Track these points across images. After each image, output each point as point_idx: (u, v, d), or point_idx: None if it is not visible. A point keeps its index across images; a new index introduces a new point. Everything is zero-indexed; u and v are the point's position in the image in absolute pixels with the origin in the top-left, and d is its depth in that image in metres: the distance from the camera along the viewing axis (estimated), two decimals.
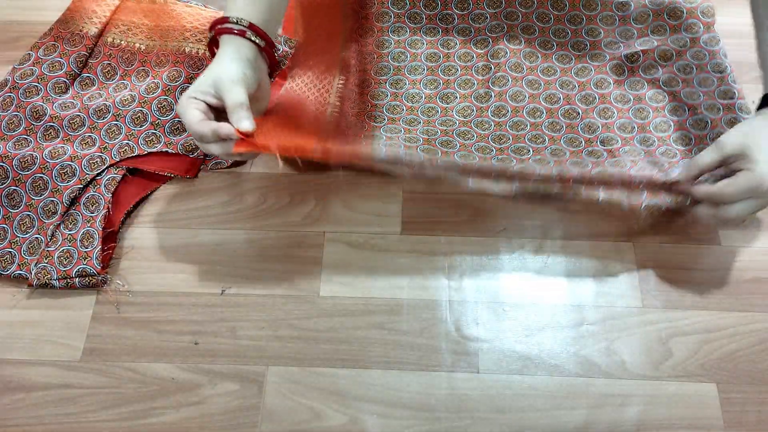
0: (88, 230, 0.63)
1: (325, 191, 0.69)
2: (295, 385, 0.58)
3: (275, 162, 0.71)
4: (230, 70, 0.55)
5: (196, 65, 0.73)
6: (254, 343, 0.60)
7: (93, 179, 0.67)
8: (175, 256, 0.65)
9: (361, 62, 0.73)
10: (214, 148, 0.55)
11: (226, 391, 0.58)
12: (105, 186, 0.66)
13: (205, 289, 0.63)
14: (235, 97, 0.54)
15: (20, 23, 0.82)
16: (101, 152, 0.68)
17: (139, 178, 0.69)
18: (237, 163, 0.71)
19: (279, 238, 0.66)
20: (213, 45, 0.59)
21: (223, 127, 0.53)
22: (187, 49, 0.74)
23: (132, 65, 0.75)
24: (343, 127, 0.67)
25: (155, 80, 0.72)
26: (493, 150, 0.67)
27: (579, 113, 0.70)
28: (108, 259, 0.64)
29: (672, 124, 0.70)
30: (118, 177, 0.67)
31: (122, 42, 0.76)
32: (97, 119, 0.70)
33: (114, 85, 0.74)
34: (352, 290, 0.63)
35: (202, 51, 0.74)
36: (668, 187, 0.58)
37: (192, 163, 0.70)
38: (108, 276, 0.63)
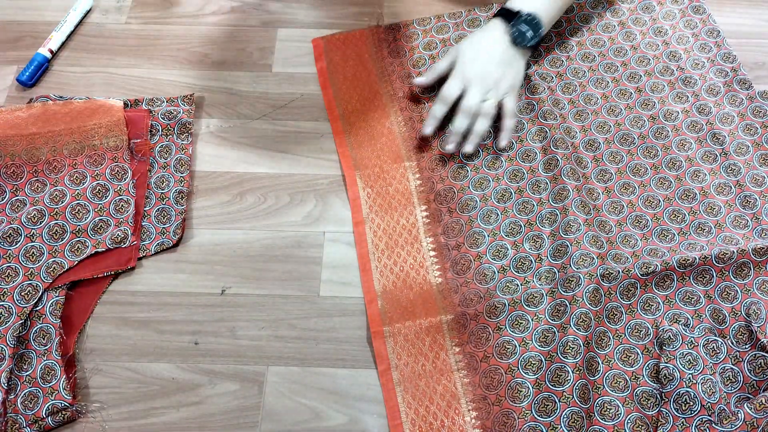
0: (46, 364, 0.57)
1: (325, 191, 0.69)
2: (295, 385, 0.58)
3: (276, 161, 0.71)
4: None
5: (98, 161, 0.67)
6: (254, 343, 0.60)
7: (33, 310, 0.60)
8: (175, 256, 0.65)
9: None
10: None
11: (226, 391, 0.58)
12: (51, 313, 0.60)
13: (205, 289, 0.63)
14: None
15: (20, 23, 0.82)
16: (30, 279, 0.62)
17: (82, 288, 0.63)
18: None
19: (279, 238, 0.66)
20: None
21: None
22: (86, 149, 0.68)
23: (21, 178, 0.67)
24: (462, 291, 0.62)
25: (57, 188, 0.66)
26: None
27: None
28: (74, 386, 0.58)
29: None
30: (62, 300, 0.61)
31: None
32: (9, 245, 0.63)
33: (9, 204, 0.66)
34: (352, 290, 0.63)
35: (111, 143, 0.68)
36: None
37: (129, 253, 0.64)
38: (83, 404, 0.57)
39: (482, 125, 0.68)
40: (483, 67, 0.68)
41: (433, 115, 0.69)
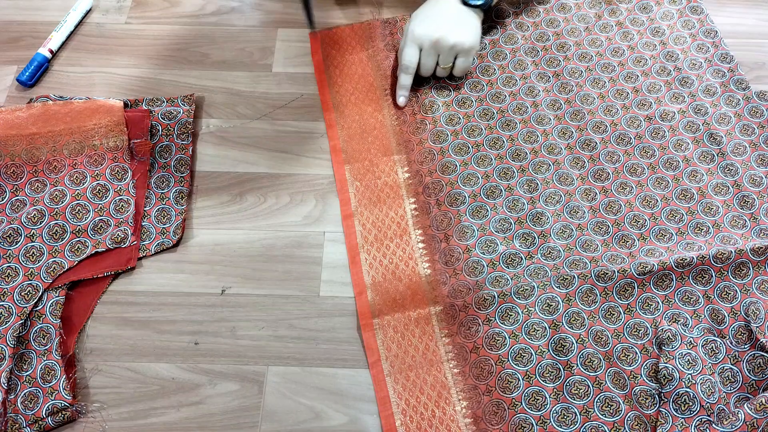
0: (46, 364, 0.57)
1: (325, 191, 0.69)
2: (295, 385, 0.58)
3: (276, 161, 0.71)
4: None
5: (98, 161, 0.67)
6: (254, 343, 0.60)
7: (33, 310, 0.60)
8: (175, 256, 0.65)
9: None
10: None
11: (226, 391, 0.58)
12: (51, 313, 0.60)
13: (205, 289, 0.63)
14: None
15: (20, 23, 0.82)
16: (30, 279, 0.62)
17: (82, 288, 0.63)
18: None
19: (279, 238, 0.66)
20: None
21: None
22: (86, 149, 0.68)
23: (21, 178, 0.67)
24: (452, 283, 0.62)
25: (57, 188, 0.66)
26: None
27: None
28: (74, 386, 0.58)
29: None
30: (62, 300, 0.61)
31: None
32: (9, 245, 0.63)
33: (9, 204, 0.66)
34: (352, 290, 0.63)
35: (111, 143, 0.68)
36: None
37: (129, 253, 0.64)
38: (83, 404, 0.57)
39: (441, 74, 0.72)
40: (434, 26, 0.68)
41: (402, 86, 0.71)
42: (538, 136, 0.71)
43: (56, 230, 0.64)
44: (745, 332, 0.58)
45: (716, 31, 0.77)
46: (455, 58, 0.71)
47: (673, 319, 0.59)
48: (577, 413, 0.55)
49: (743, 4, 0.82)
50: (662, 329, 0.58)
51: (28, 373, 0.57)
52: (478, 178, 0.68)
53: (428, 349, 0.59)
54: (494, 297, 0.60)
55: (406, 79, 0.71)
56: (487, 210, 0.66)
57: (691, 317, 0.59)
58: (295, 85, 0.77)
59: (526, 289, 0.60)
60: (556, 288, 0.60)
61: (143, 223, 0.66)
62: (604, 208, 0.66)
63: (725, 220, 0.65)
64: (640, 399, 0.55)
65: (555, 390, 0.56)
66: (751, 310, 0.59)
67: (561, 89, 0.74)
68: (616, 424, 0.54)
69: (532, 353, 0.58)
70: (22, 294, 0.61)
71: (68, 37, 0.80)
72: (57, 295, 0.61)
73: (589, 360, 0.57)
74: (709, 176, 0.68)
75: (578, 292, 0.60)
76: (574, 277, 0.60)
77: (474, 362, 0.58)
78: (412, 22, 0.70)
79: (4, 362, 0.57)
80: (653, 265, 0.60)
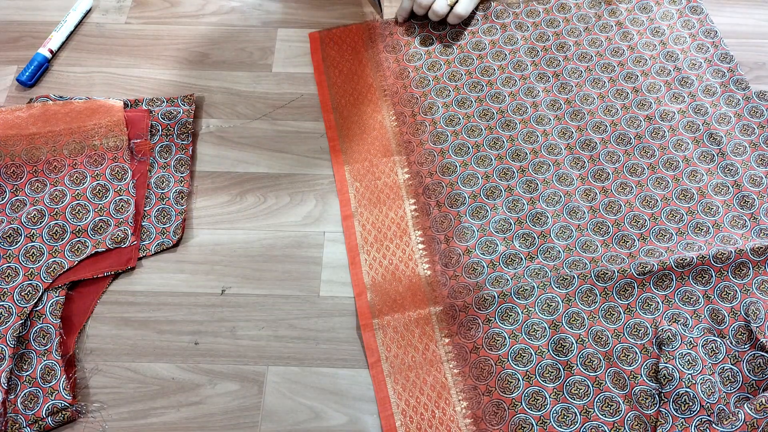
0: (46, 364, 0.57)
1: (325, 191, 0.69)
2: (295, 385, 0.58)
3: (276, 161, 0.71)
4: None
5: (98, 161, 0.67)
6: (254, 343, 0.60)
7: (33, 310, 0.60)
8: (175, 256, 0.65)
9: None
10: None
11: (226, 391, 0.58)
12: (51, 313, 0.60)
13: (205, 289, 0.63)
14: None
15: (20, 23, 0.82)
16: (30, 279, 0.62)
17: (82, 288, 0.63)
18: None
19: (279, 238, 0.66)
20: None
21: None
22: (86, 149, 0.68)
23: (21, 178, 0.67)
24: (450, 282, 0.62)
25: (57, 188, 0.66)
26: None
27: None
28: (74, 386, 0.58)
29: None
30: (62, 300, 0.61)
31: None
32: (9, 245, 0.64)
33: (9, 204, 0.66)
34: (351, 290, 0.63)
35: (111, 143, 0.68)
36: None
37: (129, 253, 0.64)
38: (83, 404, 0.57)
39: (432, 17, 0.77)
40: None
41: (403, 8, 0.79)
42: (537, 136, 0.71)
43: (56, 230, 0.64)
44: (745, 332, 0.58)
45: (716, 31, 0.77)
46: None
47: (673, 319, 0.59)
48: (577, 413, 0.55)
49: (743, 4, 0.82)
50: (662, 329, 0.58)
51: (28, 373, 0.57)
52: (478, 178, 0.68)
53: (428, 350, 0.59)
54: (494, 297, 0.60)
55: (408, 3, 0.78)
56: (487, 210, 0.66)
57: (691, 317, 0.59)
58: (295, 85, 0.77)
59: (526, 290, 0.60)
60: (555, 288, 0.60)
61: (143, 223, 0.66)
62: (604, 208, 0.66)
63: (725, 220, 0.65)
64: (640, 399, 0.55)
65: (555, 390, 0.56)
66: (751, 310, 0.59)
67: (561, 89, 0.74)
68: (616, 424, 0.54)
69: (532, 353, 0.58)
70: (22, 294, 0.61)
71: (68, 37, 0.81)
72: (57, 295, 0.61)
73: (589, 360, 0.57)
74: (709, 176, 0.68)
75: (578, 292, 0.60)
76: (574, 277, 0.60)
77: (474, 362, 0.58)
78: None
79: (4, 362, 0.57)
80: (653, 265, 0.60)
